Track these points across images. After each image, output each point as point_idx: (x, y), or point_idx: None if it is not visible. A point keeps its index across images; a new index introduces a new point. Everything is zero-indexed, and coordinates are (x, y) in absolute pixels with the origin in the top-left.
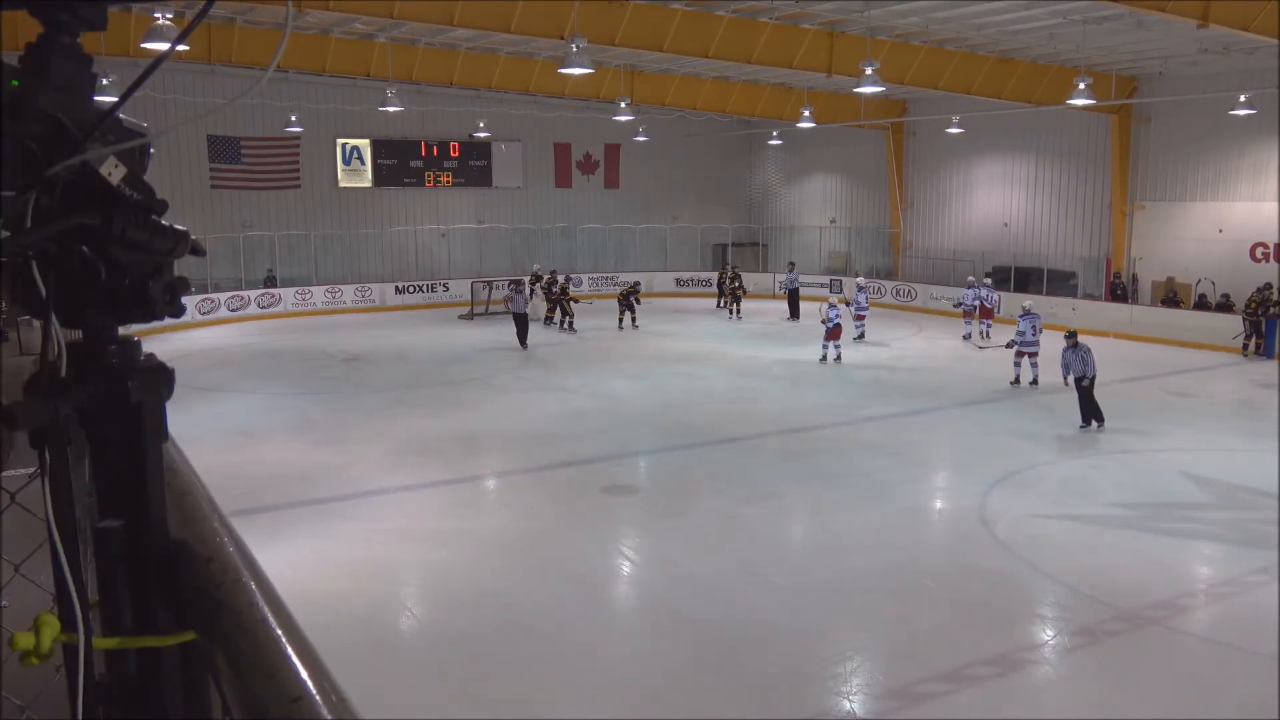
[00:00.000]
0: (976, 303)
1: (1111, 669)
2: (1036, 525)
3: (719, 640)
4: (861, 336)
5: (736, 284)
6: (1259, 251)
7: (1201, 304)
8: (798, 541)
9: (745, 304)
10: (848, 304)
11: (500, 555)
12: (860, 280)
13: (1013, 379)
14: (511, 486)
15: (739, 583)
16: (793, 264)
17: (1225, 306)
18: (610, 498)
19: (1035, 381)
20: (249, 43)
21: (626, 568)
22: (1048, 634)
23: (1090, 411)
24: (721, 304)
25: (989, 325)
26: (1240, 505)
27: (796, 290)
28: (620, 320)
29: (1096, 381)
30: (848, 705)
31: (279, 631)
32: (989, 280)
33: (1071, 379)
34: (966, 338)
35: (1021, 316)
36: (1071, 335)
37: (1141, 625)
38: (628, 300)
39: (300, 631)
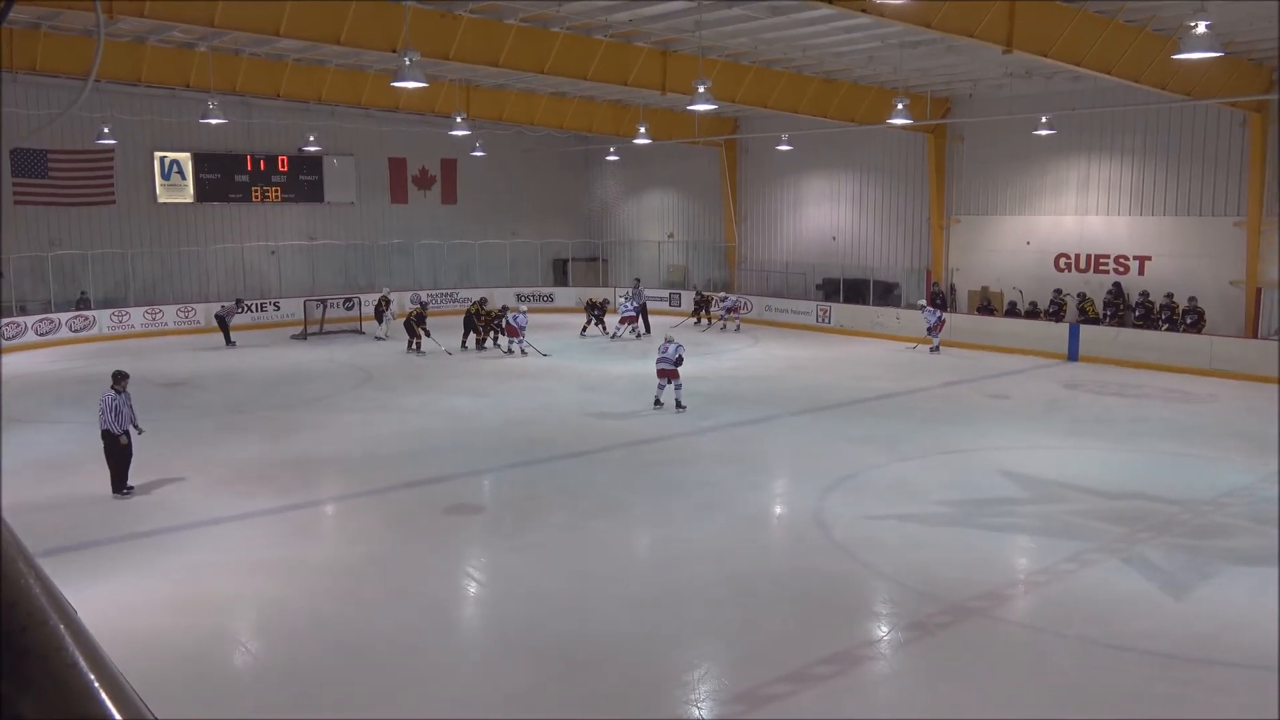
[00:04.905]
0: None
1: (941, 659)
2: (870, 526)
3: (569, 654)
4: (616, 336)
5: (597, 311)
6: (1062, 261)
7: (1012, 311)
8: (645, 552)
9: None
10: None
11: (340, 583)
12: (629, 291)
13: (655, 399)
14: (350, 511)
15: (587, 596)
16: (638, 280)
17: (1034, 313)
18: (454, 518)
19: (680, 404)
20: (54, 50)
21: (473, 588)
22: (883, 630)
23: (121, 471)
24: (587, 330)
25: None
26: (1052, 499)
27: (644, 305)
28: (496, 340)
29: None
30: (696, 712)
31: (91, 676)
32: (638, 281)
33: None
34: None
35: (667, 343)
36: (120, 377)
37: (967, 616)
38: (498, 321)
39: (116, 675)
